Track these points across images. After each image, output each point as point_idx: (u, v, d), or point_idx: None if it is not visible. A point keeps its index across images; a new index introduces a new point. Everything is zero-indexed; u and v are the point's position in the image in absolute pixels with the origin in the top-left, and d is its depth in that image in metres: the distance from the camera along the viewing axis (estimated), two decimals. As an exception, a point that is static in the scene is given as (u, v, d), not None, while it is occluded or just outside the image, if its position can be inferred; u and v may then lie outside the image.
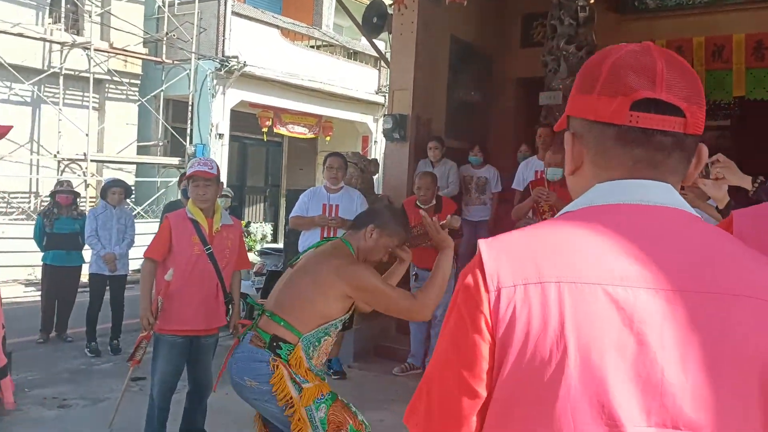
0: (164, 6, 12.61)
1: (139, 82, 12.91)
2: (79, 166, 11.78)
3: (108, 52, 11.94)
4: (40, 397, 4.88)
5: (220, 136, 13.07)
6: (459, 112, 7.45)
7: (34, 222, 7.03)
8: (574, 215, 0.92)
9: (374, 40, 8.25)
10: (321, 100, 14.88)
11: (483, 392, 0.86)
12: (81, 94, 11.94)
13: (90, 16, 11.82)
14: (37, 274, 8.02)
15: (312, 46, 15.58)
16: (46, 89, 11.47)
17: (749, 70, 6.88)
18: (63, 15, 11.35)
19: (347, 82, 15.29)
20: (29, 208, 11.35)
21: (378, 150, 15.33)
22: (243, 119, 14.25)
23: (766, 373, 0.79)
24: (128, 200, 7.74)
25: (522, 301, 0.83)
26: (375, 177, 6.89)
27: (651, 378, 0.79)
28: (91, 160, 11.67)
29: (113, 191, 6.29)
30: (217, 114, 12.97)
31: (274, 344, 2.63)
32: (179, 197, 6.99)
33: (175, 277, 3.64)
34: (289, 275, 2.87)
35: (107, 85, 12.41)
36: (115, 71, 12.20)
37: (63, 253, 6.48)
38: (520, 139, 7.31)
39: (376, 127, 16.34)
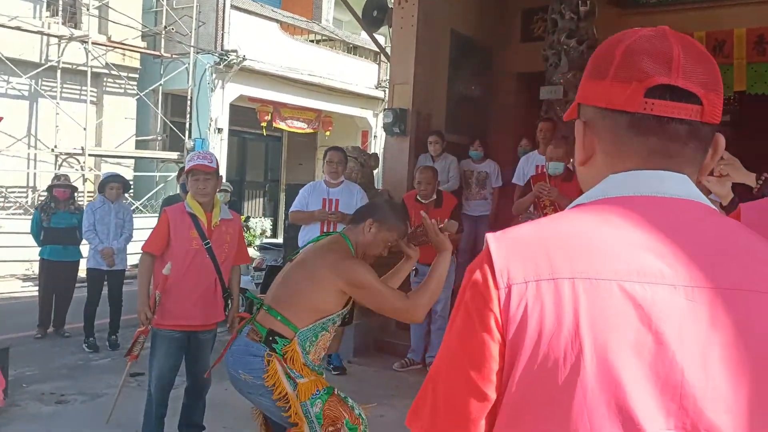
0: (162, -1, 12.56)
1: (137, 75, 12.85)
2: (77, 160, 11.73)
3: (106, 45, 11.88)
4: (38, 393, 4.85)
5: (219, 130, 13.02)
6: (459, 107, 7.41)
7: (31, 216, 6.99)
8: (586, 208, 0.88)
9: (374, 34, 8.21)
10: (320, 94, 14.83)
11: (492, 394, 0.82)
12: (79, 87, 11.88)
13: (88, 9, 11.74)
14: (35, 269, 7.98)
15: (311, 41, 15.52)
16: (44, 83, 11.41)
17: (750, 64, 6.84)
18: (60, 8, 11.29)
19: (347, 76, 15.24)
20: (27, 202, 11.30)
21: (378, 145, 15.29)
22: (242, 114, 14.20)
23: None
24: (126, 195, 7.72)
25: (534, 298, 0.78)
26: (375, 171, 6.86)
27: (670, 379, 0.75)
28: (89, 155, 11.63)
29: (111, 186, 6.25)
30: (216, 108, 12.92)
31: (270, 339, 2.64)
32: (178, 192, 6.95)
33: (173, 272, 3.61)
34: (287, 270, 2.87)
35: (105, 79, 12.35)
36: (113, 65, 12.13)
37: (60, 248, 6.44)
38: (520, 133, 7.28)
39: (375, 121, 16.30)
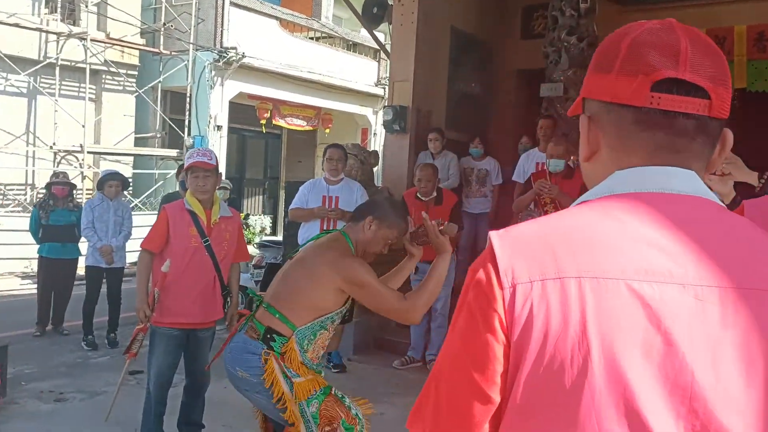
0: (161, -4, 12.53)
1: (136, 73, 12.82)
2: (76, 157, 11.71)
3: (105, 42, 11.85)
4: (37, 391, 4.84)
5: (219, 127, 13.00)
6: (459, 104, 7.40)
7: (30, 214, 6.97)
8: (592, 205, 0.85)
9: (374, 31, 8.18)
10: (320, 92, 14.81)
11: (496, 397, 0.79)
12: (77, 85, 11.86)
13: (86, 6, 11.72)
14: (34, 266, 7.96)
15: (311, 38, 15.50)
16: (42, 80, 11.38)
17: (750, 61, 6.82)
18: (59, 5, 11.26)
19: (346, 73, 15.21)
20: (25, 200, 11.28)
21: (377, 142, 15.28)
22: (241, 111, 14.18)
23: None
24: (125, 192, 7.69)
25: (539, 298, 0.76)
26: (375, 169, 6.84)
27: (680, 380, 0.73)
28: (88, 152, 11.61)
29: (110, 184, 6.22)
30: (215, 106, 12.89)
31: (268, 336, 2.64)
32: (177, 189, 6.93)
33: (172, 269, 3.60)
34: (286, 267, 2.86)
35: (104, 76, 12.32)
36: (112, 62, 12.11)
37: (59, 245, 6.42)
38: (520, 130, 7.26)
39: (375, 119, 16.28)
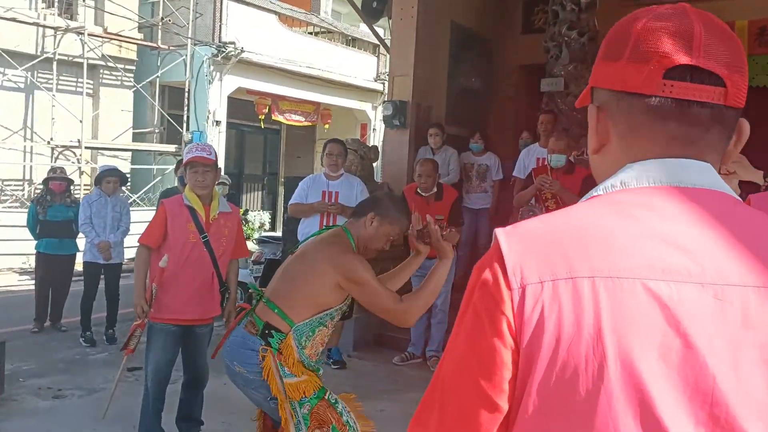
0: (160, -10, 12.46)
1: (134, 67, 12.76)
2: (74, 153, 11.66)
3: (102, 37, 11.78)
4: (35, 387, 4.81)
5: (217, 123, 12.96)
6: (460, 99, 7.36)
7: (27, 209, 6.93)
8: (603, 200, 0.81)
9: (374, 26, 8.14)
10: (319, 87, 14.76)
11: (504, 405, 0.75)
12: (75, 79, 11.80)
13: (84, 1, 11.65)
14: (32, 262, 7.93)
15: (310, 33, 15.44)
16: (40, 75, 11.32)
17: (752, 56, 6.78)
18: (56, -1, 11.21)
19: (345, 69, 15.16)
20: (23, 195, 11.24)
21: (376, 138, 15.24)
22: (240, 106, 14.13)
23: None
24: (124, 188, 7.65)
25: (551, 299, 0.72)
26: (375, 164, 6.81)
27: (700, 384, 0.70)
28: (86, 147, 11.56)
29: (108, 180, 6.18)
30: (214, 101, 12.84)
31: (266, 332, 2.63)
32: (176, 185, 6.90)
33: (170, 265, 3.57)
34: (287, 263, 2.85)
35: (101, 71, 12.26)
36: (110, 57, 12.04)
37: (56, 241, 6.38)
38: (521, 126, 7.24)
39: (374, 114, 16.24)
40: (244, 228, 11.38)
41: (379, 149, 7.18)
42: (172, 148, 12.74)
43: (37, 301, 6.52)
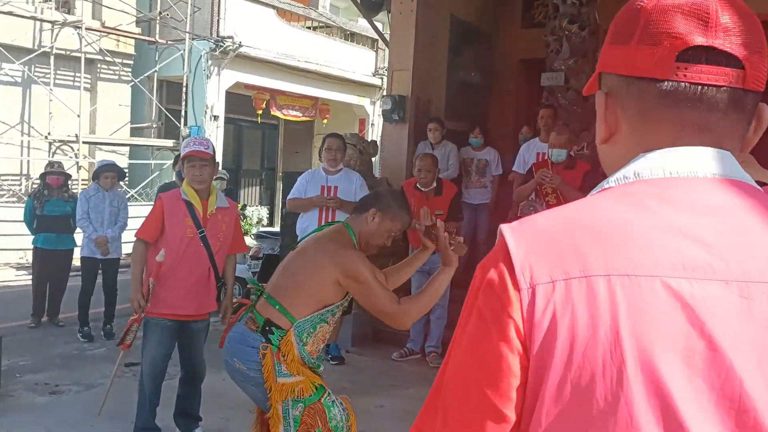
0: (157, -16, 12.39)
1: (132, 62, 12.70)
2: (71, 147, 11.61)
3: (100, 31, 11.72)
4: (32, 383, 4.78)
5: (215, 118, 12.91)
6: (459, 94, 7.33)
7: (24, 204, 6.89)
8: (615, 192, 0.76)
9: (373, 20, 8.09)
10: (317, 81, 14.70)
11: (512, 415, 0.70)
12: (72, 74, 11.74)
13: (81, -5, 11.58)
14: (29, 257, 7.89)
15: (308, 27, 15.37)
16: (37, 69, 11.26)
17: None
18: (53, -7, 11.13)
19: (344, 63, 15.10)
20: (20, 190, 11.19)
21: (375, 133, 15.19)
22: (238, 101, 14.08)
23: None
24: (121, 183, 7.62)
25: (563, 300, 0.67)
26: (374, 159, 6.78)
27: (726, 390, 0.65)
28: (83, 142, 11.50)
29: (106, 175, 6.14)
30: (212, 95, 12.79)
31: (267, 328, 2.61)
32: (174, 180, 6.86)
33: (167, 260, 3.54)
34: (287, 258, 2.83)
35: (99, 66, 12.20)
36: (108, 51, 11.98)
37: (53, 236, 6.34)
38: (521, 120, 7.20)
39: (373, 109, 16.19)
40: (242, 223, 11.37)
41: (378, 144, 7.15)
42: (169, 142, 12.68)
43: (34, 296, 6.48)
